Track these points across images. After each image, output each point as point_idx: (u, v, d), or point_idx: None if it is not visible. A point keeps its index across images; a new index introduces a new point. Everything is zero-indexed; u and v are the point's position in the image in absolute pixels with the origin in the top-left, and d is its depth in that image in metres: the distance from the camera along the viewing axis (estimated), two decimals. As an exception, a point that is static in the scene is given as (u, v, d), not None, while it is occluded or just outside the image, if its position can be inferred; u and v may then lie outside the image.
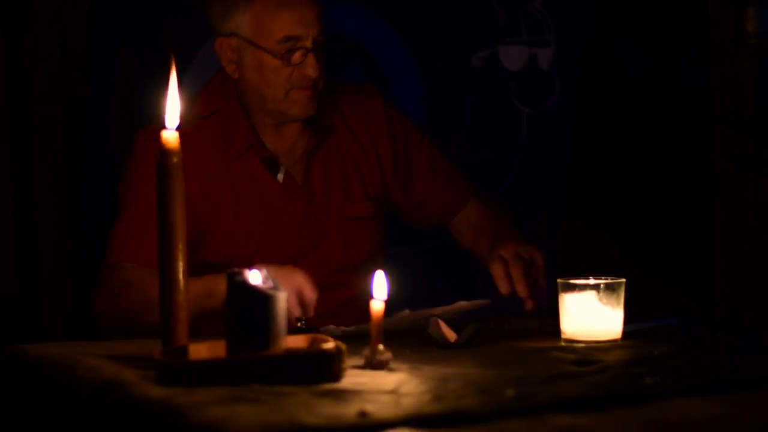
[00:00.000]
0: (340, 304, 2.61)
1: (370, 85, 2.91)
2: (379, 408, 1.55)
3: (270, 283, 1.79)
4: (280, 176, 2.66)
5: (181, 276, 1.83)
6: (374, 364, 1.86)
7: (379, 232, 2.78)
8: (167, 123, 1.86)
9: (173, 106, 1.87)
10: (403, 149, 2.81)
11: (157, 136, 2.51)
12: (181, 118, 2.49)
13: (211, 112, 2.65)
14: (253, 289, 1.75)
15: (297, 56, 2.56)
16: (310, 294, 2.31)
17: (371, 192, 2.76)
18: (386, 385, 1.72)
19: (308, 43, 2.56)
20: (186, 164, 2.43)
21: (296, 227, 2.65)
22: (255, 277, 1.77)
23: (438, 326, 2.15)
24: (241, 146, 2.64)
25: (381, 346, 1.87)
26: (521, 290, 2.49)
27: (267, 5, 2.56)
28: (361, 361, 1.87)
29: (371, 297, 1.92)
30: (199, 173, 2.58)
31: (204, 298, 2.28)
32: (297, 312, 2.29)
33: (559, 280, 2.22)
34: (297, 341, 1.86)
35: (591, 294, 2.16)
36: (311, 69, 2.56)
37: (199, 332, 1.96)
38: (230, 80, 2.66)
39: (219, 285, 2.08)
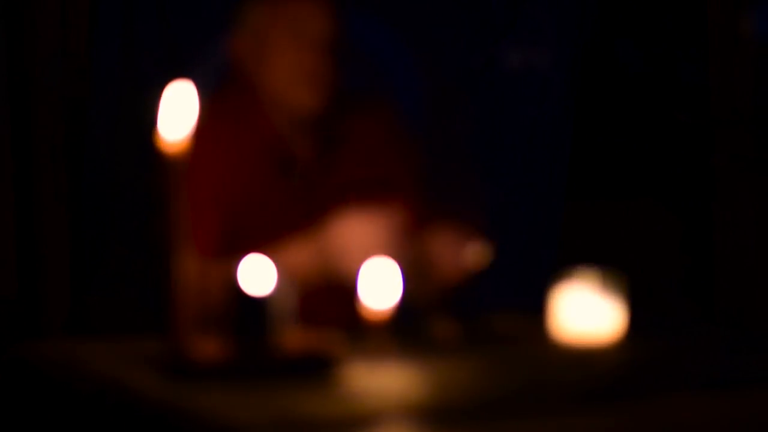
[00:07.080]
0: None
1: (379, 96, 2.89)
2: (379, 407, 1.55)
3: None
4: (293, 178, 2.65)
5: (181, 276, 1.83)
6: (375, 363, 1.86)
7: None
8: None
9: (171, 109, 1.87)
10: (390, 164, 2.78)
11: (217, 112, 2.53)
12: (210, 113, 2.52)
13: (235, 107, 2.62)
14: (254, 289, 1.75)
15: (298, 47, 2.55)
16: None
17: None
18: (386, 384, 1.72)
19: (311, 37, 2.54)
20: (222, 158, 2.55)
21: (299, 231, 2.66)
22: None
23: (438, 326, 2.15)
24: (263, 143, 2.61)
25: (382, 345, 1.87)
26: None
27: None
28: (361, 361, 1.87)
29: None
30: (233, 167, 2.57)
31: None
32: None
33: (558, 280, 2.22)
34: (297, 341, 1.86)
35: (590, 293, 2.16)
36: (309, 62, 2.54)
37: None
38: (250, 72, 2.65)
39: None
